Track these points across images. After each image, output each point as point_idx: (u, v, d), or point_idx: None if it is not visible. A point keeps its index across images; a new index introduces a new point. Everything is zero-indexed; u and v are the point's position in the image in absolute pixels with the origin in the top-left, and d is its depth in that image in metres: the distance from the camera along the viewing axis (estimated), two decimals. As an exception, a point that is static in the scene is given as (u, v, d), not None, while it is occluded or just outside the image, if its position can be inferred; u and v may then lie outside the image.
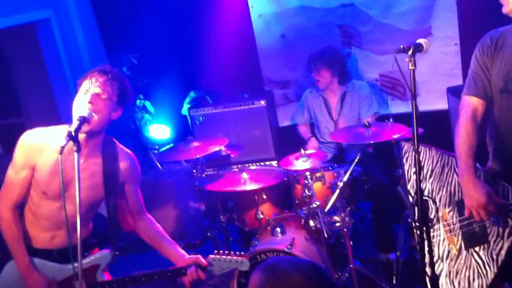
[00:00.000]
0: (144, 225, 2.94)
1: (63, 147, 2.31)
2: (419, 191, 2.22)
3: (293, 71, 5.18)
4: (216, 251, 2.72)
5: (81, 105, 2.49)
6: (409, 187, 2.97)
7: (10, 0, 4.82)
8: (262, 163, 4.92)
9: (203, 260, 2.69)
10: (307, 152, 3.81)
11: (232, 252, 2.73)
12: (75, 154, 2.35)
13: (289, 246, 3.36)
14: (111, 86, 2.54)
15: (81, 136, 2.47)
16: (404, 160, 3.00)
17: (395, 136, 3.48)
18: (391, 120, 3.82)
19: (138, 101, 5.38)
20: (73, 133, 2.35)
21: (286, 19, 5.17)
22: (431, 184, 2.77)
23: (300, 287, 1.39)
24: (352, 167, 3.61)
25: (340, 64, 4.42)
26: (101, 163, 2.69)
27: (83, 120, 2.43)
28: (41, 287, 2.68)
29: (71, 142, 2.35)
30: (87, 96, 2.50)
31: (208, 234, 4.54)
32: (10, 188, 2.65)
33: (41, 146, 2.59)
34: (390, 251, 4.04)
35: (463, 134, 2.51)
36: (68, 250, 2.55)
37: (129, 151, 2.85)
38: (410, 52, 2.34)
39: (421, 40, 2.40)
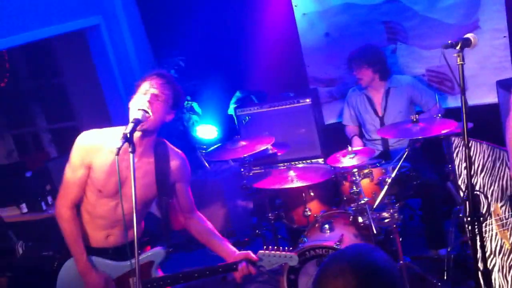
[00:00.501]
0: (194, 223, 3.02)
1: (119, 149, 2.40)
2: (470, 186, 2.21)
3: (337, 68, 5.18)
4: (265, 246, 2.77)
5: (139, 104, 2.58)
6: (459, 182, 2.95)
7: (61, 8, 4.99)
8: (308, 161, 4.95)
9: (253, 256, 2.75)
10: (354, 148, 3.82)
11: (281, 247, 2.78)
12: (131, 155, 2.44)
13: (338, 243, 3.38)
14: (168, 89, 2.65)
15: (136, 135, 2.56)
16: (455, 155, 2.99)
17: (444, 131, 3.45)
18: (439, 115, 3.78)
19: (185, 103, 5.48)
20: (128, 135, 2.45)
21: (329, 17, 5.17)
22: (483, 179, 2.75)
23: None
24: (400, 163, 3.60)
25: (380, 61, 4.43)
26: (154, 162, 2.78)
27: (138, 122, 2.52)
28: (99, 284, 2.79)
29: (126, 143, 2.46)
30: (147, 96, 2.61)
31: (257, 231, 4.61)
32: (68, 188, 2.76)
33: (97, 147, 2.70)
34: (441, 247, 4.00)
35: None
36: (123, 248, 2.67)
37: (179, 151, 2.93)
38: (458, 47, 2.33)
39: (469, 35, 2.39)
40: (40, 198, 5.45)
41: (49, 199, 5.55)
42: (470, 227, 2.24)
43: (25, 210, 5.49)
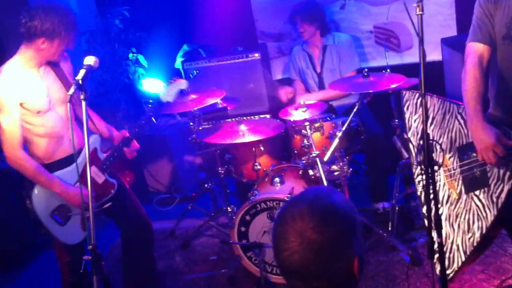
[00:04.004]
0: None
1: (71, 96, 2.43)
2: (426, 134, 2.26)
3: (286, 23, 5.12)
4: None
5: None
6: (409, 135, 3.02)
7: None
8: (256, 117, 4.93)
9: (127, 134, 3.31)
10: (307, 102, 3.83)
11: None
12: (83, 102, 2.43)
13: (288, 195, 3.42)
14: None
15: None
16: (405, 108, 3.05)
17: (393, 86, 3.51)
18: (388, 70, 3.83)
19: (130, 55, 5.31)
20: (80, 82, 2.44)
21: (279, -29, 5.10)
22: (432, 131, 2.83)
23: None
24: (350, 117, 3.65)
25: (322, 16, 4.45)
26: (53, 73, 3.07)
27: (90, 69, 2.55)
28: (78, 194, 3.01)
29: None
30: None
31: (205, 185, 4.57)
32: (11, 133, 2.91)
33: (18, 83, 2.89)
34: (384, 200, 4.12)
35: (471, 80, 2.54)
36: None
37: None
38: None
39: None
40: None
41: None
42: (424, 175, 2.29)
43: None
